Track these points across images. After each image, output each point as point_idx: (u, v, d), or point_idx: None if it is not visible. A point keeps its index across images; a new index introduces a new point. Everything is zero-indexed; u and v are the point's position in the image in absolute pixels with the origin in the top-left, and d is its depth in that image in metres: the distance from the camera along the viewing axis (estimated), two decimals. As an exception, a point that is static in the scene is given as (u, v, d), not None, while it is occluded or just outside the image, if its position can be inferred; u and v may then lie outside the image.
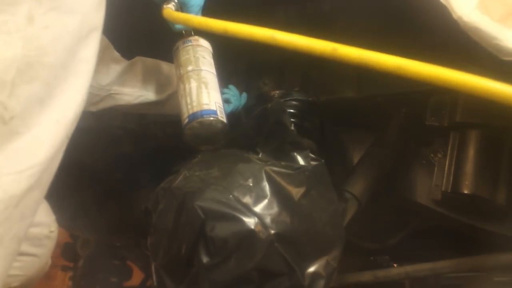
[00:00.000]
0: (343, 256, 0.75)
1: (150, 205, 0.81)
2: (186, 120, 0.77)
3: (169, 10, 0.76)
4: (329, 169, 0.81)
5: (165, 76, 0.92)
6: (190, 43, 0.84)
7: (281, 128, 0.84)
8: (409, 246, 1.11)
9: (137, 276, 1.86)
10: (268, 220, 0.66)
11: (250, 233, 0.65)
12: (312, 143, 0.92)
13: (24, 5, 0.45)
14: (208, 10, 0.80)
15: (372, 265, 1.15)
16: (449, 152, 0.90)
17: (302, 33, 0.55)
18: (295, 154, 0.81)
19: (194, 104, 0.76)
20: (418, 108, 0.98)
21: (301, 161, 0.80)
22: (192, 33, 0.85)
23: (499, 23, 0.58)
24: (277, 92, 1.02)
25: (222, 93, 0.96)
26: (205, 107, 0.76)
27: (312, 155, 0.81)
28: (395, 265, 1.10)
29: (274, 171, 0.73)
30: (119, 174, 1.37)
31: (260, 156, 0.83)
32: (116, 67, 0.84)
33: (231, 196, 0.68)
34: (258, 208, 0.67)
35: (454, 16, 0.59)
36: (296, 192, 0.72)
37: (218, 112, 0.77)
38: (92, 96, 0.82)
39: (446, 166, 0.89)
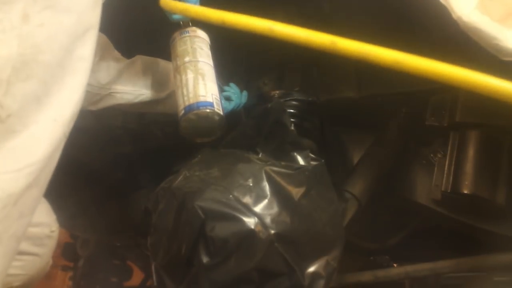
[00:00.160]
0: (343, 256, 0.75)
1: (150, 205, 0.81)
2: (182, 112, 0.75)
3: None
4: (329, 169, 0.81)
5: (165, 75, 0.92)
6: (187, 34, 0.83)
7: (281, 128, 0.84)
8: (409, 246, 1.11)
9: (137, 276, 1.86)
10: (268, 220, 0.66)
11: (250, 233, 0.65)
12: (312, 143, 0.92)
13: (19, 4, 0.45)
14: (206, 1, 0.79)
15: (372, 265, 1.15)
16: (449, 152, 0.90)
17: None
18: (295, 154, 0.81)
19: (191, 95, 0.75)
20: (418, 108, 0.98)
21: (301, 161, 0.80)
22: (190, 24, 0.84)
23: (499, 23, 0.58)
24: (277, 92, 1.02)
25: (223, 90, 0.96)
26: (202, 98, 0.75)
27: (312, 155, 0.81)
28: (395, 265, 1.10)
29: (274, 171, 0.74)
30: (119, 174, 1.37)
31: (260, 156, 0.83)
32: (116, 66, 0.84)
33: (231, 196, 0.69)
34: (258, 208, 0.67)
35: (454, 16, 0.59)
36: (296, 192, 0.72)
37: (215, 104, 0.76)
38: (92, 95, 0.82)
39: (446, 166, 0.89)
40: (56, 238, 1.00)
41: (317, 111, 1.02)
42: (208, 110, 0.74)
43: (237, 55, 1.19)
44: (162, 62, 0.93)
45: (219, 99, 0.78)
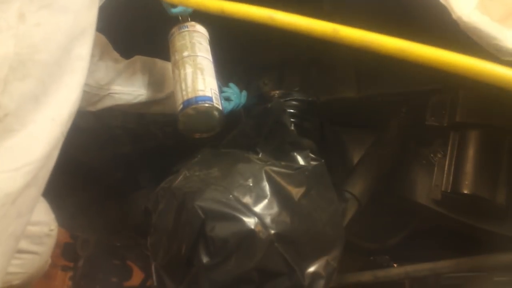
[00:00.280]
0: (343, 256, 0.75)
1: (150, 205, 0.81)
2: (181, 107, 0.74)
3: None
4: (329, 169, 0.81)
5: (164, 75, 0.92)
6: (186, 29, 0.82)
7: (281, 128, 0.84)
8: (409, 246, 1.11)
9: (137, 276, 1.86)
10: (268, 220, 0.66)
11: (250, 233, 0.65)
12: (312, 143, 0.92)
13: (15, 3, 0.45)
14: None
15: (372, 265, 1.15)
16: (449, 152, 0.90)
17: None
18: (295, 154, 0.81)
19: (189, 90, 0.74)
20: (418, 108, 0.98)
21: (301, 161, 0.80)
22: (189, 19, 0.84)
23: (499, 23, 0.58)
24: (277, 92, 1.02)
25: (222, 91, 0.95)
26: (200, 93, 0.74)
27: (312, 155, 0.81)
28: (395, 265, 1.10)
29: (274, 171, 0.74)
30: (118, 173, 1.37)
31: (260, 156, 0.83)
32: (115, 67, 0.84)
33: (231, 196, 0.69)
34: (258, 208, 0.67)
35: (454, 16, 0.59)
36: (296, 192, 0.72)
37: (214, 99, 0.75)
38: (91, 96, 0.82)
39: (446, 166, 0.89)
40: (55, 237, 1.00)
41: (317, 111, 1.02)
42: (207, 105, 0.73)
43: (237, 55, 1.19)
44: (161, 63, 0.93)
45: (218, 94, 0.77)
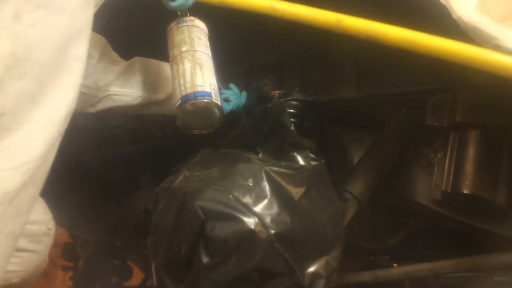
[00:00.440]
0: (343, 256, 0.75)
1: (150, 205, 0.81)
2: (179, 102, 0.72)
3: None
4: (329, 169, 0.81)
5: (163, 76, 0.92)
6: (185, 24, 0.80)
7: (281, 128, 0.84)
8: (409, 246, 1.11)
9: (137, 276, 1.86)
10: (268, 220, 0.66)
11: (250, 233, 0.65)
12: (312, 143, 0.92)
13: (11, 3, 0.45)
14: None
15: (372, 265, 1.15)
16: (449, 152, 0.90)
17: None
18: (295, 154, 0.81)
19: (188, 85, 0.72)
20: (418, 108, 0.98)
21: (301, 161, 0.80)
22: (188, 14, 0.82)
23: (499, 23, 0.58)
24: (277, 92, 1.02)
25: (221, 93, 0.95)
26: (199, 88, 0.72)
27: (312, 155, 0.81)
28: (395, 265, 1.10)
29: (274, 171, 0.74)
30: (118, 173, 1.37)
31: (260, 156, 0.83)
32: (114, 68, 0.84)
33: (231, 196, 0.69)
34: (258, 208, 0.67)
35: (454, 16, 0.59)
36: (296, 192, 0.72)
37: (213, 95, 0.73)
38: (90, 97, 0.82)
39: (446, 166, 0.89)
40: (52, 236, 1.00)
41: (317, 111, 1.02)
42: (205, 101, 0.72)
43: (237, 55, 1.19)
44: (160, 64, 0.93)
45: (217, 89, 0.76)
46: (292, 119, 0.91)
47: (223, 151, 0.88)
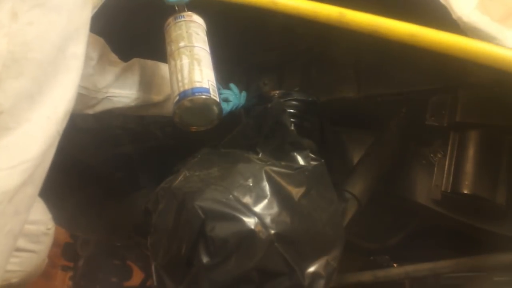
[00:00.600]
0: (343, 256, 0.75)
1: (150, 205, 0.81)
2: (177, 98, 0.71)
3: None
4: (329, 169, 0.81)
5: (162, 77, 0.92)
6: (182, 19, 0.79)
7: (281, 128, 0.84)
8: (409, 246, 1.11)
9: (137, 276, 1.86)
10: (268, 220, 0.66)
11: (250, 233, 0.65)
12: (312, 143, 0.92)
13: (8, 3, 0.46)
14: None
15: (372, 265, 1.15)
16: (449, 152, 0.90)
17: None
18: (295, 154, 0.81)
19: (186, 81, 0.71)
20: (418, 108, 0.98)
21: (301, 161, 0.80)
22: (186, 9, 0.81)
23: (499, 23, 0.58)
24: (277, 92, 1.02)
25: (220, 93, 0.95)
26: (197, 84, 0.71)
27: (312, 155, 0.81)
28: (395, 265, 1.10)
29: (274, 171, 0.74)
30: (119, 174, 1.37)
31: (260, 156, 0.83)
32: (113, 69, 0.84)
33: (231, 196, 0.69)
34: (258, 208, 0.67)
35: (454, 16, 0.59)
36: (296, 192, 0.72)
37: (211, 91, 0.72)
38: (89, 99, 0.82)
39: (446, 166, 0.89)
40: (52, 236, 1.01)
41: (317, 111, 1.02)
42: (204, 97, 0.71)
43: (237, 55, 1.19)
44: (159, 65, 0.93)
45: (215, 86, 0.75)
46: (292, 119, 0.91)
47: (223, 151, 0.89)
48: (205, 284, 0.65)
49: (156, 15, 0.81)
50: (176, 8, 0.80)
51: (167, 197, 0.76)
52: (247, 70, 1.24)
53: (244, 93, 1.03)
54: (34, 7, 0.47)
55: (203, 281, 0.65)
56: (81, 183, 1.33)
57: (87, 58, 0.77)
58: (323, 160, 0.81)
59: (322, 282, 0.69)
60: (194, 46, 0.76)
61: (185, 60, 0.74)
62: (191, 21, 0.80)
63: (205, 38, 0.80)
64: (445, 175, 0.89)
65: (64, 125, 0.54)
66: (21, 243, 0.90)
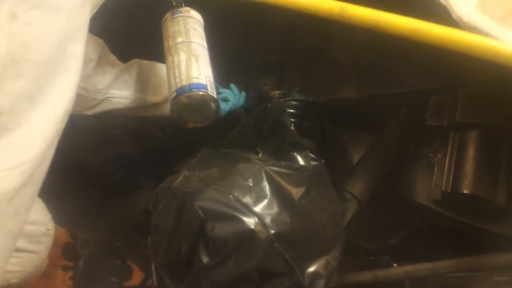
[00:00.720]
0: (343, 256, 0.75)
1: (150, 205, 0.81)
2: (174, 94, 0.71)
3: None
4: (329, 169, 0.81)
5: (162, 78, 0.92)
6: (180, 14, 0.78)
7: (281, 128, 0.84)
8: (409, 246, 1.11)
9: (137, 276, 1.86)
10: (268, 220, 0.66)
11: (250, 233, 0.65)
12: (312, 143, 0.92)
13: (7, 3, 0.46)
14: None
15: (372, 265, 1.15)
16: (449, 152, 0.90)
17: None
18: (295, 154, 0.81)
19: (183, 77, 0.71)
20: (418, 108, 0.98)
21: (301, 161, 0.80)
22: (183, 4, 0.81)
23: (499, 23, 0.58)
24: (277, 92, 1.02)
25: (219, 92, 0.95)
26: (195, 80, 0.70)
27: (312, 155, 0.81)
28: (395, 265, 1.10)
29: (274, 171, 0.74)
30: (119, 174, 1.37)
31: (260, 156, 0.83)
32: (113, 71, 0.84)
33: (231, 196, 0.69)
34: (258, 208, 0.67)
35: (454, 16, 0.59)
36: (296, 192, 0.72)
37: (209, 87, 0.72)
38: (89, 100, 0.82)
39: (446, 166, 0.89)
40: (52, 236, 1.01)
41: (317, 111, 1.02)
42: (201, 93, 0.70)
43: (236, 55, 1.19)
44: (158, 66, 0.93)
45: (213, 82, 0.75)
46: (292, 119, 0.91)
47: (223, 151, 0.89)
48: (205, 284, 0.65)
49: (156, 16, 0.81)
50: (174, 3, 0.80)
51: (167, 197, 0.76)
52: (247, 70, 1.24)
53: (243, 93, 1.03)
54: (33, 7, 0.47)
55: (203, 281, 0.65)
56: (81, 183, 1.33)
57: (87, 59, 0.77)
58: (323, 160, 0.81)
59: (322, 282, 0.69)
60: (191, 42, 0.75)
61: (182, 56, 0.73)
62: (188, 16, 0.79)
63: (203, 34, 0.80)
64: (445, 175, 0.89)
65: (63, 125, 0.54)
66: (21, 243, 0.90)
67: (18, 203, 0.48)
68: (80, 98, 0.79)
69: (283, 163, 0.79)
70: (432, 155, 0.97)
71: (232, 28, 1.04)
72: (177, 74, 0.72)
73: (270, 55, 1.22)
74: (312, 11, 0.48)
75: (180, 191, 0.73)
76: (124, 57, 0.89)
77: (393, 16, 0.45)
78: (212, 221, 0.66)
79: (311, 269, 0.69)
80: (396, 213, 1.10)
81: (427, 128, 0.94)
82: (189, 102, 0.71)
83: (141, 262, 1.79)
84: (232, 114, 0.99)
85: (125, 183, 1.37)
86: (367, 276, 0.97)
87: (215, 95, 0.73)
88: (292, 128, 0.83)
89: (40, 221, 0.97)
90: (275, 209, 0.68)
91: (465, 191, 0.83)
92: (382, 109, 1.08)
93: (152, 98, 0.91)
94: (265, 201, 0.69)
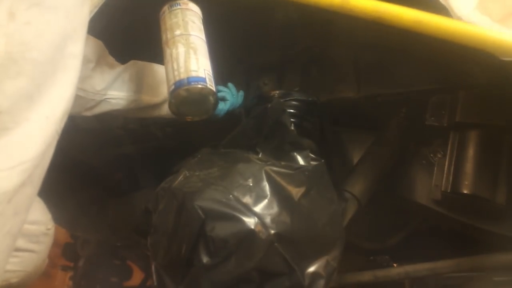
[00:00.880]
0: (343, 256, 0.75)
1: (150, 205, 0.81)
2: (172, 87, 0.70)
3: None
4: (329, 169, 0.81)
5: (160, 79, 0.91)
6: (178, 7, 0.78)
7: (281, 128, 0.84)
8: (409, 246, 1.11)
9: (137, 276, 1.86)
10: (268, 220, 0.66)
11: (250, 233, 0.65)
12: (312, 143, 0.92)
13: (6, 2, 0.46)
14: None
15: (372, 265, 1.15)
16: (448, 152, 0.90)
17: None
18: (295, 154, 0.81)
19: (182, 70, 0.70)
20: (418, 108, 0.98)
21: (301, 161, 0.80)
22: None
23: (499, 23, 0.58)
24: (277, 92, 1.02)
25: (217, 91, 0.95)
26: (193, 73, 0.70)
27: (312, 155, 0.81)
28: (395, 265, 1.10)
29: (274, 171, 0.74)
30: (119, 174, 1.37)
31: (260, 156, 0.83)
32: (111, 72, 0.84)
33: (231, 196, 0.69)
34: (258, 208, 0.67)
35: (454, 16, 0.59)
36: (296, 192, 0.72)
37: (207, 80, 0.71)
38: (87, 101, 0.82)
39: (446, 166, 0.89)
40: (52, 236, 1.01)
41: (317, 111, 1.02)
42: (200, 86, 0.70)
43: (236, 55, 1.19)
44: (156, 67, 0.92)
45: (211, 75, 0.74)
46: (292, 119, 0.91)
47: (223, 151, 0.89)
48: (205, 284, 0.65)
49: (157, 15, 0.81)
50: None
51: (167, 197, 0.76)
52: (247, 70, 1.24)
53: (241, 92, 1.03)
54: (31, 6, 0.47)
55: (203, 281, 0.65)
56: (82, 183, 1.33)
57: (86, 60, 0.77)
58: (323, 160, 0.81)
59: (322, 282, 0.69)
60: (190, 34, 0.75)
61: (181, 49, 0.73)
62: (187, 9, 0.78)
63: (201, 27, 0.79)
64: (445, 175, 0.89)
65: (63, 124, 0.54)
66: (21, 243, 0.90)
67: (17, 202, 0.48)
68: (79, 99, 0.79)
69: (283, 163, 0.79)
70: (432, 155, 0.97)
71: (232, 28, 1.04)
72: (175, 67, 0.72)
73: (270, 55, 1.22)
74: (314, 2, 0.47)
75: (180, 191, 0.73)
76: (125, 58, 0.89)
77: (396, 8, 0.44)
78: (212, 221, 0.66)
79: (311, 269, 0.69)
80: (396, 213, 1.10)
81: (427, 128, 0.94)
82: (187, 95, 0.71)
83: (141, 262, 1.79)
84: (232, 114, 1.00)
85: (125, 183, 1.37)
86: (367, 276, 0.97)
87: (213, 89, 0.73)
88: (292, 128, 0.83)
89: (40, 220, 0.97)
90: (275, 209, 0.68)
91: (465, 191, 0.83)
92: (382, 109, 1.08)
93: (151, 99, 0.91)
94: (265, 201, 0.69)
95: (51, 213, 1.01)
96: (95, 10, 0.74)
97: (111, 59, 0.86)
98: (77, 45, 0.54)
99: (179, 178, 0.78)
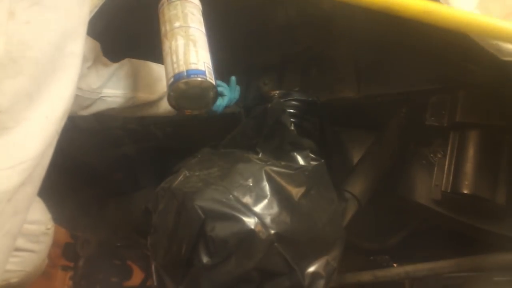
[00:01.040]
0: (343, 256, 0.75)
1: (150, 205, 0.81)
2: (171, 80, 0.69)
3: None
4: (329, 169, 0.81)
5: (155, 77, 0.91)
6: None
7: (281, 128, 0.84)
8: (409, 246, 1.11)
9: (137, 276, 1.86)
10: (268, 220, 0.66)
11: (250, 233, 0.65)
12: (312, 143, 0.92)
13: (5, 1, 0.45)
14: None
15: (372, 265, 1.15)
16: (449, 152, 0.90)
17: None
18: (295, 154, 0.81)
19: (181, 63, 0.69)
20: (418, 108, 0.98)
21: (301, 161, 0.80)
22: None
23: (499, 23, 0.57)
24: (277, 92, 1.02)
25: (217, 85, 0.94)
26: (193, 66, 0.69)
27: (312, 155, 0.81)
28: (395, 265, 1.10)
29: (274, 171, 0.74)
30: (119, 174, 1.37)
31: (260, 156, 0.83)
32: (106, 70, 0.84)
33: (231, 196, 0.69)
34: (258, 208, 0.67)
35: (454, 16, 0.59)
36: (296, 192, 0.72)
37: (207, 73, 0.70)
38: (83, 100, 0.82)
39: (446, 166, 0.89)
40: (51, 236, 1.01)
41: (317, 111, 1.02)
42: (199, 79, 0.68)
43: (237, 55, 1.19)
44: (151, 65, 0.92)
45: (211, 68, 0.72)
46: (292, 119, 0.91)
47: (223, 151, 0.89)
48: (205, 284, 0.65)
49: (153, 17, 0.80)
50: None
51: (167, 197, 0.76)
52: (247, 70, 1.24)
53: (238, 87, 1.02)
54: (31, 5, 0.47)
55: (203, 281, 0.65)
56: (82, 183, 1.33)
57: (84, 59, 0.77)
58: (323, 160, 0.81)
59: (322, 282, 0.69)
60: (189, 26, 0.73)
61: (180, 41, 0.71)
62: (186, 1, 0.77)
63: (201, 19, 0.78)
64: (445, 175, 0.89)
65: (62, 124, 0.53)
66: (21, 243, 0.90)
67: (17, 202, 0.48)
68: (75, 98, 0.79)
69: (283, 163, 0.79)
70: (432, 155, 0.97)
71: (232, 28, 1.04)
72: (174, 59, 0.70)
73: (270, 55, 1.22)
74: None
75: (180, 191, 0.73)
76: (125, 58, 0.89)
77: None
78: (212, 221, 0.66)
79: (311, 269, 0.69)
80: (396, 213, 1.10)
81: (427, 128, 0.94)
82: (187, 88, 0.69)
83: (141, 262, 1.79)
84: (232, 114, 1.00)
85: (125, 183, 1.37)
86: (367, 276, 0.97)
87: (213, 82, 0.71)
88: (292, 128, 0.84)
89: (39, 220, 0.97)
90: (275, 209, 0.68)
91: (465, 191, 0.83)
92: (382, 109, 1.09)
93: (147, 96, 0.91)
94: (265, 201, 0.69)
95: (51, 213, 1.01)
96: (95, 10, 0.74)
97: (105, 59, 0.86)
98: (77, 44, 0.54)
99: (179, 178, 0.78)
